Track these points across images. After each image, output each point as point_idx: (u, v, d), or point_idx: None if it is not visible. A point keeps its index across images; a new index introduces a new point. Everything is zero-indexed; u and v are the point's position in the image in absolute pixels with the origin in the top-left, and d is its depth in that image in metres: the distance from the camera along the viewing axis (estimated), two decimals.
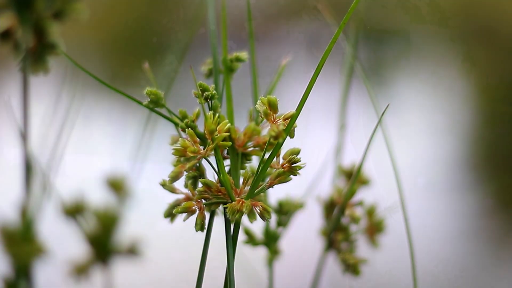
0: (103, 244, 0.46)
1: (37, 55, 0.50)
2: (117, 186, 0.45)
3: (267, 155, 0.55)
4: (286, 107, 0.58)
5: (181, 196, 0.57)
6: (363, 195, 0.67)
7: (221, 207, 0.57)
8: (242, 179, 0.57)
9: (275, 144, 0.55)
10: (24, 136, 0.49)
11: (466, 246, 1.63)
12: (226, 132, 0.55)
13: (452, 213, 1.77)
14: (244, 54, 0.59)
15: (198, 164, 0.57)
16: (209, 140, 0.55)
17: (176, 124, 0.57)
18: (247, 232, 0.67)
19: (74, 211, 0.46)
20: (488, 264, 1.67)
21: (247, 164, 0.58)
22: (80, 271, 0.46)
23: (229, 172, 0.57)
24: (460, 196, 1.85)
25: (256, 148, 0.57)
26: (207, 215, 0.57)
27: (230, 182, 0.56)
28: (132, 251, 0.47)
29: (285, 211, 0.66)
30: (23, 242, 0.46)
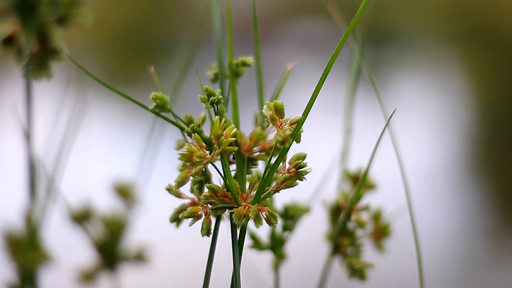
0: (111, 251, 0.46)
1: (40, 61, 0.50)
2: (124, 192, 0.45)
3: (273, 160, 0.55)
4: (290, 106, 0.58)
5: (187, 201, 0.57)
6: (369, 199, 0.66)
7: (227, 212, 0.56)
8: (248, 184, 0.56)
9: (281, 149, 0.55)
10: (28, 141, 0.49)
11: (469, 245, 1.63)
12: (232, 137, 0.55)
13: (455, 213, 1.77)
14: (250, 59, 0.59)
15: (204, 169, 0.56)
16: (215, 145, 0.54)
17: (182, 129, 0.57)
18: (253, 237, 0.67)
19: (81, 217, 0.45)
20: (490, 263, 1.67)
21: (253, 169, 0.57)
22: (88, 277, 0.46)
23: (235, 177, 0.57)
24: (462, 195, 1.84)
25: (262, 153, 0.57)
26: (213, 220, 0.57)
27: (236, 187, 0.55)
28: (140, 258, 0.46)
29: (291, 216, 0.66)
30: (28, 249, 0.46)
